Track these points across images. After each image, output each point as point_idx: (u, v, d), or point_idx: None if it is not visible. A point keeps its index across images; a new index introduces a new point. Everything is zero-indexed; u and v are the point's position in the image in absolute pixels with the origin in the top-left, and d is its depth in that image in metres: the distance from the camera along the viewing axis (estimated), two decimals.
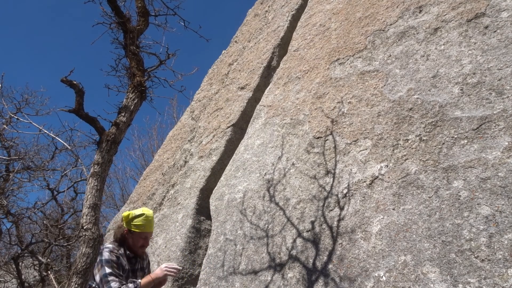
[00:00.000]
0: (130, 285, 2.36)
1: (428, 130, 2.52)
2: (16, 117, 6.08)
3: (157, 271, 2.49)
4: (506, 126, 2.17)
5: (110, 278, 2.35)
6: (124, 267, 2.48)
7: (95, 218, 3.20)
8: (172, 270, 2.49)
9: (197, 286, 3.47)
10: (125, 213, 2.61)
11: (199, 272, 3.61)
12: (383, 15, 3.49)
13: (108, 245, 2.55)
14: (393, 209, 2.39)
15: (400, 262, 2.19)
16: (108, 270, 2.38)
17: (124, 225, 2.61)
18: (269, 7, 5.76)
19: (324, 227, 2.73)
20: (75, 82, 3.30)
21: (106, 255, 2.45)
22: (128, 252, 2.57)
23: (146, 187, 5.25)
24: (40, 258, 5.53)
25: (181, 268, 2.32)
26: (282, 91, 4.10)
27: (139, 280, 2.42)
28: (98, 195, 3.28)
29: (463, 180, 2.18)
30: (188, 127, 5.41)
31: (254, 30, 5.66)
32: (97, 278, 2.41)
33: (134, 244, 2.57)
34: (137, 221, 2.56)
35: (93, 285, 2.49)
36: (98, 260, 2.42)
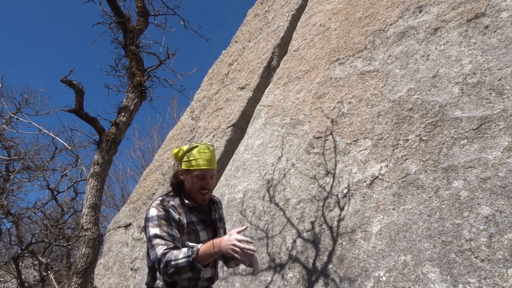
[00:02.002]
0: (184, 249, 1.71)
1: (428, 130, 2.51)
2: (16, 117, 6.08)
3: (222, 241, 1.70)
4: (506, 126, 2.17)
5: (155, 241, 1.74)
6: (180, 221, 1.85)
7: (95, 218, 3.21)
8: (242, 247, 1.65)
9: None
10: (175, 150, 2.01)
11: None
12: (383, 15, 3.48)
13: (158, 198, 1.96)
14: (393, 209, 2.39)
15: (400, 262, 2.19)
16: (153, 231, 1.78)
17: (177, 166, 2.01)
18: (269, 7, 5.75)
19: (324, 227, 2.73)
20: (75, 82, 3.30)
21: (151, 212, 1.85)
22: (187, 202, 1.94)
23: (146, 187, 5.25)
24: (40, 258, 5.53)
25: (254, 249, 1.66)
26: (282, 91, 4.09)
27: (199, 246, 1.71)
28: (98, 195, 3.29)
29: (463, 180, 2.18)
30: (188, 127, 5.41)
31: (254, 30, 5.66)
32: (146, 244, 1.91)
33: (191, 188, 1.93)
34: (190, 155, 1.93)
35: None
36: (144, 220, 1.92)
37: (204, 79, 6.04)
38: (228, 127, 4.44)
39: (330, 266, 2.53)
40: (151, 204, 1.92)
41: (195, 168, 1.90)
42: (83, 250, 3.03)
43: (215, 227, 2.02)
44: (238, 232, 1.71)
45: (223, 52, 6.16)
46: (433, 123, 2.50)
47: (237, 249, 1.65)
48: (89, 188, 3.26)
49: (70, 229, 9.17)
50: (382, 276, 2.22)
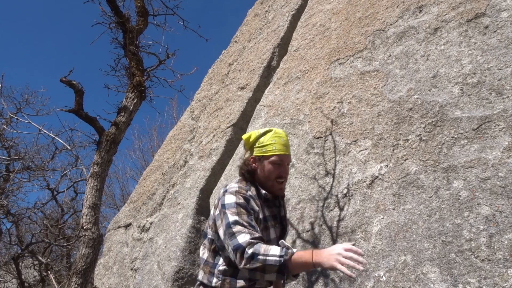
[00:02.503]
0: (276, 247, 1.46)
1: (428, 130, 2.51)
2: (16, 117, 6.08)
3: (324, 252, 1.42)
4: (506, 126, 2.17)
5: (236, 228, 1.52)
6: (257, 214, 1.65)
7: (95, 218, 3.21)
8: (354, 259, 1.40)
9: None
10: (245, 135, 1.82)
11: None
12: (383, 15, 3.48)
13: (233, 184, 1.73)
14: (393, 209, 2.39)
15: (400, 262, 2.19)
16: (232, 217, 1.56)
17: (248, 152, 1.79)
18: (269, 7, 5.75)
19: (324, 227, 2.73)
20: (74, 82, 3.31)
21: (229, 198, 1.63)
22: (264, 192, 1.73)
23: (146, 187, 5.25)
24: (40, 258, 5.53)
25: (365, 262, 1.39)
26: (282, 91, 4.09)
27: (294, 250, 1.47)
28: (98, 195, 3.29)
29: (463, 180, 2.18)
30: (188, 127, 5.41)
31: (254, 30, 5.66)
32: (221, 232, 1.60)
33: (267, 176, 1.71)
34: (263, 141, 1.73)
35: (207, 242, 1.74)
36: (219, 207, 1.65)
37: (204, 79, 6.04)
38: (228, 127, 4.44)
39: None
40: (226, 190, 1.68)
41: (271, 153, 1.68)
42: (83, 250, 3.03)
43: (283, 225, 1.82)
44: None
45: (223, 52, 6.16)
46: (433, 123, 2.50)
47: (345, 260, 1.38)
48: (89, 188, 3.26)
49: (70, 229, 9.17)
50: (382, 276, 2.22)
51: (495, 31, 2.54)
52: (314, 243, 2.72)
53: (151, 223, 4.56)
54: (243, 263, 1.46)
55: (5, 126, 6.49)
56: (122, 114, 3.54)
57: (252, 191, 1.71)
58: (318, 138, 3.24)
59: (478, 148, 2.21)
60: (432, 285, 2.00)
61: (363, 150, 2.82)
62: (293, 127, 3.57)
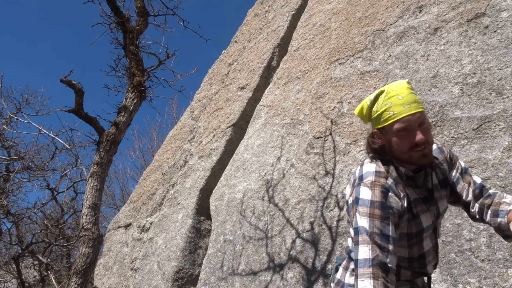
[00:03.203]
0: None
1: None
2: (16, 117, 6.08)
3: None
4: (506, 126, 2.17)
5: (361, 237, 1.25)
6: (399, 210, 1.30)
7: (95, 218, 3.21)
8: None
9: (197, 286, 3.47)
10: (357, 109, 1.46)
11: (199, 272, 3.61)
12: (383, 15, 3.48)
13: (370, 169, 1.36)
14: None
15: None
16: (361, 221, 1.27)
17: (370, 126, 1.46)
18: (269, 7, 5.75)
19: (323, 227, 2.73)
20: (74, 82, 3.31)
21: (364, 192, 1.31)
22: (405, 170, 1.36)
23: (146, 187, 5.25)
24: (40, 258, 5.53)
25: None
26: (282, 91, 4.09)
27: None
28: (98, 195, 3.29)
29: None
30: (188, 127, 5.41)
31: (254, 30, 5.66)
32: (351, 230, 1.36)
33: (399, 150, 1.34)
34: (377, 109, 1.36)
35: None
36: (353, 197, 1.35)
37: (204, 79, 6.04)
38: (228, 127, 4.44)
39: (330, 266, 2.53)
40: (362, 176, 1.35)
41: (390, 121, 1.31)
42: (83, 250, 3.03)
43: (436, 202, 1.42)
44: None
45: (223, 52, 6.16)
46: (433, 123, 2.50)
47: None
48: (89, 188, 3.26)
49: (70, 229, 9.18)
50: None
51: (495, 31, 2.54)
52: (314, 243, 2.72)
53: (151, 223, 4.56)
54: (354, 277, 1.26)
55: (5, 126, 6.49)
56: (122, 114, 3.54)
57: (392, 174, 1.34)
58: (318, 138, 3.24)
59: (478, 148, 2.21)
60: (432, 285, 2.00)
61: (363, 150, 2.82)
62: (293, 127, 3.57)
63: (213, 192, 4.05)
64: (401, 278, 1.39)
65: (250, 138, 4.04)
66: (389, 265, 1.20)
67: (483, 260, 1.92)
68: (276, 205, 3.18)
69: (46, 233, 7.00)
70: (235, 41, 6.00)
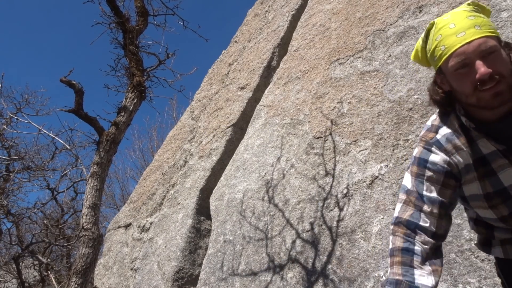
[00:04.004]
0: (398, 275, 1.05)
1: None
2: (16, 117, 6.09)
3: None
4: None
5: (400, 196, 1.17)
6: (448, 168, 1.11)
7: (95, 218, 3.21)
8: None
9: (197, 286, 3.47)
10: (413, 53, 1.22)
11: (199, 272, 3.61)
12: (383, 15, 3.48)
13: (429, 119, 1.22)
14: (393, 209, 2.39)
15: None
16: (405, 178, 1.19)
17: (434, 70, 1.15)
18: (269, 7, 5.75)
19: (323, 227, 2.73)
20: (74, 82, 3.31)
21: (415, 149, 1.20)
22: (465, 120, 1.10)
23: (146, 187, 5.25)
24: (40, 258, 5.53)
25: None
26: (282, 91, 4.09)
27: None
28: (98, 195, 3.29)
29: None
30: (188, 127, 5.41)
31: (254, 30, 5.65)
32: None
33: (463, 92, 1.05)
34: (430, 47, 1.10)
35: None
36: None
37: (204, 79, 6.03)
38: (228, 127, 4.44)
39: (330, 266, 2.53)
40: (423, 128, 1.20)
41: (443, 58, 1.02)
42: (83, 250, 3.03)
43: None
44: None
45: (223, 52, 6.16)
46: None
47: None
48: (89, 188, 3.26)
49: (70, 229, 9.17)
50: (382, 276, 2.22)
51: None
52: (314, 243, 2.72)
53: (151, 223, 4.56)
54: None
55: (5, 126, 6.49)
56: (122, 114, 3.54)
57: (450, 127, 1.12)
58: (318, 138, 3.24)
59: None
60: None
61: (363, 150, 2.82)
62: (293, 127, 3.57)
63: (213, 192, 4.05)
64: (496, 237, 1.23)
65: (250, 138, 4.04)
66: (420, 223, 1.09)
67: (483, 260, 1.91)
68: (276, 205, 3.17)
69: (46, 233, 7.00)
70: (235, 41, 6.00)
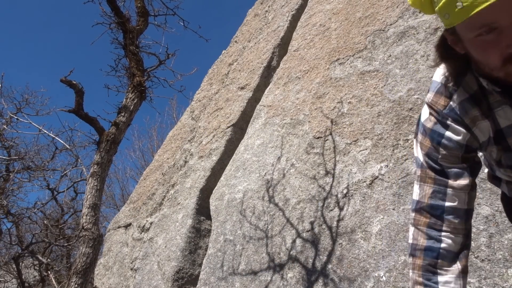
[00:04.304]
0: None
1: None
2: (16, 117, 6.09)
3: None
4: None
5: (417, 172, 1.00)
6: (463, 143, 0.94)
7: (95, 218, 3.21)
8: None
9: (197, 286, 3.47)
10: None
11: (199, 272, 3.61)
12: (383, 15, 3.48)
13: (438, 72, 0.98)
14: (393, 209, 2.39)
15: (400, 262, 2.19)
16: (415, 150, 1.02)
17: (442, 26, 1.01)
18: (269, 7, 5.75)
19: (323, 227, 2.73)
20: (74, 82, 3.31)
21: (423, 113, 1.01)
22: (487, 83, 0.87)
23: (146, 187, 5.25)
24: (40, 258, 5.53)
25: None
26: (282, 91, 4.09)
27: None
28: (98, 195, 3.29)
29: None
30: (188, 127, 5.41)
31: (254, 30, 5.66)
32: None
33: (488, 65, 0.82)
34: None
35: None
36: None
37: (204, 79, 6.04)
38: (228, 127, 4.44)
39: (330, 266, 2.53)
40: (429, 90, 0.99)
41: (461, 17, 0.76)
42: (83, 250, 3.03)
43: None
44: None
45: (223, 52, 6.16)
46: None
47: None
48: (89, 188, 3.26)
49: (70, 229, 9.17)
50: (382, 276, 2.22)
51: None
52: (314, 243, 2.72)
53: (151, 223, 4.56)
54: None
55: (5, 126, 6.49)
56: (122, 114, 3.54)
57: (466, 91, 0.91)
58: (318, 138, 3.25)
59: None
60: None
61: (363, 150, 2.82)
62: (293, 127, 3.57)
63: (213, 192, 4.05)
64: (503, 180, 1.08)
65: (250, 138, 4.04)
66: (447, 204, 0.92)
67: (483, 260, 1.92)
68: (276, 205, 3.18)
69: (46, 233, 7.00)
70: (235, 41, 6.00)
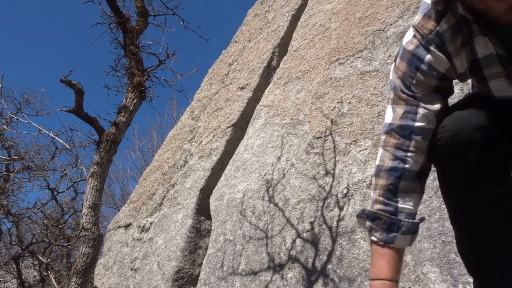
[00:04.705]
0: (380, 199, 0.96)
1: None
2: (16, 117, 6.10)
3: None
4: None
5: (388, 103, 0.99)
6: (443, 72, 0.91)
7: (95, 218, 3.21)
8: None
9: (197, 286, 3.47)
10: None
11: (199, 272, 3.61)
12: (383, 15, 3.48)
13: (424, 4, 0.94)
14: None
15: None
16: (391, 73, 1.01)
17: None
18: (269, 7, 5.75)
19: (323, 227, 2.73)
20: (74, 82, 3.31)
21: (406, 36, 0.98)
22: (462, 9, 0.82)
23: (146, 187, 5.25)
24: (40, 258, 5.53)
25: None
26: (282, 91, 4.09)
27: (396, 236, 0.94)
28: (98, 195, 3.29)
29: None
30: (188, 127, 5.41)
31: (254, 30, 5.66)
32: None
33: (491, 11, 0.76)
34: None
35: None
36: None
37: (204, 79, 6.04)
38: (228, 127, 4.44)
39: (330, 266, 2.53)
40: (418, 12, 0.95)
41: None
42: (83, 250, 3.03)
43: None
44: None
45: (223, 52, 6.16)
46: None
47: None
48: (89, 188, 3.27)
49: (70, 229, 9.17)
50: None
51: None
52: (314, 243, 2.72)
53: (151, 223, 4.56)
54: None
55: (5, 126, 6.49)
56: (122, 114, 3.54)
57: (453, 15, 0.86)
58: (318, 138, 3.25)
59: None
60: (432, 285, 2.01)
61: (363, 150, 2.82)
62: (293, 127, 3.57)
63: (213, 192, 4.05)
64: None
65: (250, 138, 4.04)
66: (416, 124, 0.90)
67: None
68: (276, 205, 3.18)
69: (46, 233, 7.00)
70: (235, 41, 6.00)
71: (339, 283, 2.41)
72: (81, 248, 3.05)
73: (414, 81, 0.93)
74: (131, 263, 4.45)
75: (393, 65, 1.00)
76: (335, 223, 2.68)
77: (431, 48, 0.89)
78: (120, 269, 4.62)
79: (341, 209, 2.70)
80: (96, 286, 4.77)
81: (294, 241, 2.85)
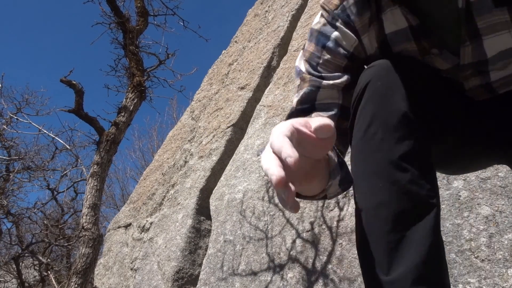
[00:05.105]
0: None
1: None
2: (16, 117, 6.10)
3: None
4: None
5: (295, 92, 0.92)
6: (352, 51, 0.80)
7: (95, 218, 3.21)
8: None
9: (197, 286, 3.47)
10: None
11: (199, 272, 3.61)
12: None
13: None
14: None
15: None
16: (299, 63, 0.90)
17: None
18: (269, 7, 5.75)
19: (323, 227, 2.73)
20: (74, 82, 3.31)
21: (316, 19, 0.87)
22: None
23: (146, 187, 5.25)
24: (40, 258, 5.54)
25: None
26: (282, 91, 4.09)
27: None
28: (98, 195, 3.29)
29: (463, 180, 2.18)
30: (188, 127, 5.41)
31: (254, 30, 5.66)
32: None
33: None
34: None
35: None
36: None
37: (204, 79, 6.04)
38: (228, 127, 4.44)
39: (330, 266, 2.53)
40: None
41: None
42: (83, 250, 3.04)
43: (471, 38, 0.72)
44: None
45: (223, 52, 6.16)
46: None
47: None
48: (89, 188, 3.27)
49: (70, 229, 9.17)
50: None
51: None
52: (314, 243, 2.72)
53: (151, 223, 4.56)
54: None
55: (5, 126, 6.50)
56: (122, 114, 3.54)
57: None
58: None
59: None
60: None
61: None
62: None
63: (213, 192, 4.05)
64: None
65: (250, 138, 4.04)
66: (317, 102, 0.84)
67: (483, 260, 1.92)
68: (276, 205, 3.18)
69: (46, 233, 7.00)
70: (235, 41, 6.00)
71: (339, 283, 2.41)
72: (81, 248, 3.05)
73: (320, 61, 0.83)
74: (131, 263, 4.45)
75: (301, 52, 0.91)
76: (335, 223, 2.68)
77: (338, 24, 0.80)
78: (120, 269, 4.62)
79: (341, 209, 2.70)
80: (96, 286, 4.77)
81: (294, 241, 2.85)
